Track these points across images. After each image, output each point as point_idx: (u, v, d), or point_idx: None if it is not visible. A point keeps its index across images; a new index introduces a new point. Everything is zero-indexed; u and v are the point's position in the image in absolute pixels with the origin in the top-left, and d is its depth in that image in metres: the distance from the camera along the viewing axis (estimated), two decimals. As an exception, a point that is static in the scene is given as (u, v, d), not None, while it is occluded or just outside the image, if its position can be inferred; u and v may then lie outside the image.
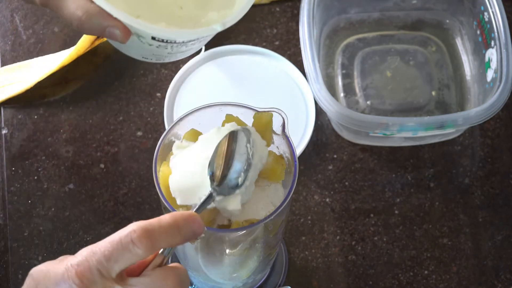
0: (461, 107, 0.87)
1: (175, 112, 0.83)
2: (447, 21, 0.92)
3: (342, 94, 0.87)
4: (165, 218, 0.49)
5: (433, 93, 0.87)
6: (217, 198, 0.54)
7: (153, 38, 0.58)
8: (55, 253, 0.77)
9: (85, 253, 0.48)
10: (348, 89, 0.88)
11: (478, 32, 0.85)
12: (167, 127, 0.82)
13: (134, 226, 0.48)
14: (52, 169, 0.82)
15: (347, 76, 0.88)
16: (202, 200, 0.53)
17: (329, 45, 0.90)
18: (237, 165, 0.55)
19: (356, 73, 0.88)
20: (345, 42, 0.91)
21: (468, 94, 0.87)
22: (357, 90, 0.87)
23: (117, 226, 0.78)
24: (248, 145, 0.55)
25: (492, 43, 0.81)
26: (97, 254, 0.47)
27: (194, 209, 0.53)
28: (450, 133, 0.84)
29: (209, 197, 0.54)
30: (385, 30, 0.92)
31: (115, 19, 0.57)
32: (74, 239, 0.78)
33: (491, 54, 0.81)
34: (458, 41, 0.91)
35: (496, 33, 0.81)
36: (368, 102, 0.86)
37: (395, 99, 0.87)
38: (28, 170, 0.82)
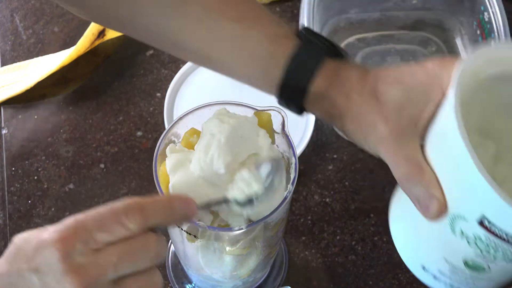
0: None
1: (175, 112, 0.83)
2: (447, 21, 0.92)
3: None
4: (161, 197, 0.48)
5: None
6: (235, 207, 0.54)
7: (483, 223, 0.43)
8: (55, 253, 0.77)
9: (72, 220, 0.45)
10: None
11: (478, 32, 0.85)
12: (167, 127, 0.82)
13: (129, 201, 0.46)
14: (52, 169, 0.82)
15: None
16: (212, 200, 0.53)
17: None
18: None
19: None
20: (345, 42, 0.91)
21: None
22: None
23: (117, 226, 0.78)
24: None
25: (492, 43, 0.81)
26: (88, 222, 0.45)
27: (201, 205, 0.53)
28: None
29: (224, 202, 0.54)
30: (385, 30, 0.92)
31: (439, 189, 0.48)
32: (74, 239, 0.78)
33: None
34: (458, 41, 0.91)
35: (496, 33, 0.81)
36: None
37: None
38: (28, 170, 0.82)
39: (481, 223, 0.43)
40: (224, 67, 0.60)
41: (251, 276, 0.66)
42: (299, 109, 0.57)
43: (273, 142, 0.58)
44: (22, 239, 0.47)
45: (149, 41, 0.61)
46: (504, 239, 0.42)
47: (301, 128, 0.82)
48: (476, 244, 0.44)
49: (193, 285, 0.72)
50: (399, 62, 0.90)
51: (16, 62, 0.89)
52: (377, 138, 0.53)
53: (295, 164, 0.56)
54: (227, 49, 0.58)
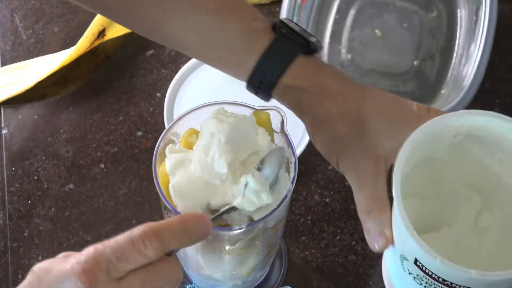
0: (440, 80, 0.84)
1: (175, 112, 0.83)
2: None
3: (327, 40, 0.86)
4: (175, 220, 0.48)
5: (415, 62, 0.85)
6: (244, 213, 0.54)
7: (417, 264, 0.53)
8: (55, 253, 0.76)
9: (92, 251, 0.46)
10: (335, 37, 0.86)
11: (474, 18, 0.83)
12: (167, 127, 0.82)
13: (145, 228, 0.47)
14: (52, 169, 0.82)
15: (339, 22, 0.87)
16: (223, 210, 0.54)
17: None
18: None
19: (348, 22, 0.87)
20: None
21: (450, 70, 0.84)
22: (343, 40, 0.86)
23: (117, 226, 0.78)
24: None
25: (477, 40, 0.80)
26: (107, 253, 0.46)
27: (212, 217, 0.53)
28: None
29: (233, 210, 0.54)
30: None
31: (390, 229, 0.56)
32: (74, 239, 0.78)
33: (472, 49, 0.80)
34: (460, 12, 0.87)
35: (479, 37, 0.79)
36: (349, 56, 0.85)
37: (377, 60, 0.85)
38: (28, 170, 0.82)
39: (416, 264, 0.53)
40: (199, 55, 0.64)
41: (250, 276, 0.66)
42: (267, 98, 0.61)
43: (272, 141, 0.58)
44: (43, 269, 0.48)
45: (131, 27, 0.66)
46: (435, 279, 0.52)
47: (301, 128, 0.81)
48: (417, 279, 0.54)
49: (193, 285, 0.72)
50: (394, 22, 0.87)
51: (16, 62, 0.89)
52: (352, 166, 0.58)
53: (295, 163, 0.56)
54: (202, 40, 0.60)
